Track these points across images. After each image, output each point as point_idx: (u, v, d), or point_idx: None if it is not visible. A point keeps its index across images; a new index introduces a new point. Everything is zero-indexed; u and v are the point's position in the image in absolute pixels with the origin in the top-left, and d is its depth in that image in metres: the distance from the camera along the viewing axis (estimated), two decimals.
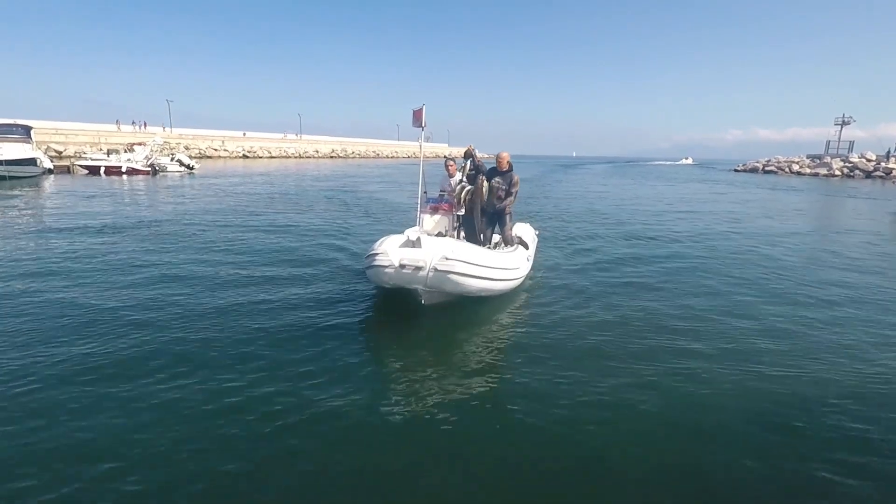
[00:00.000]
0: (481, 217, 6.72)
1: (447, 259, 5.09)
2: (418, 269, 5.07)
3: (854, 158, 49.40)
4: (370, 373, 4.31)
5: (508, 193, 6.69)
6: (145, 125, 56.59)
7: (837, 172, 47.68)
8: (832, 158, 52.04)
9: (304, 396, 3.80)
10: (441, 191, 7.13)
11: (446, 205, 6.92)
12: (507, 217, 6.90)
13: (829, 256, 9.80)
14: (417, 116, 6.72)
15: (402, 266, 5.11)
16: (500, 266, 5.73)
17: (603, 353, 4.75)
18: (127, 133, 50.02)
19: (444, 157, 7.48)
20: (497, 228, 7.07)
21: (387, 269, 5.21)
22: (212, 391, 3.86)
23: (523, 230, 8.49)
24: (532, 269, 7.39)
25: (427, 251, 5.27)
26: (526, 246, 7.15)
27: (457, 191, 6.77)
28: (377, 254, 5.37)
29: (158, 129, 55.11)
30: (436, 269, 5.05)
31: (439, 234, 6.66)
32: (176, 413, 3.55)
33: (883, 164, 44.89)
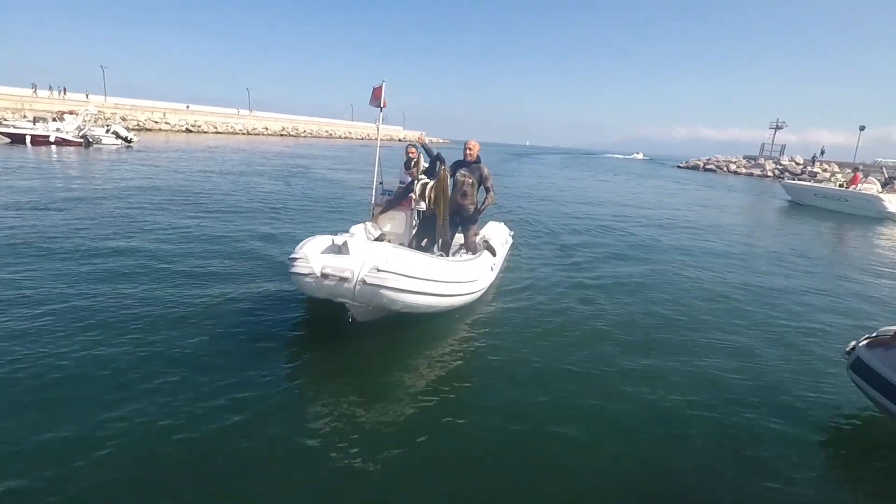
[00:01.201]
0: (447, 214, 5.73)
1: (379, 270, 4.25)
2: (343, 280, 4.27)
3: (785, 161, 52.84)
4: (285, 403, 3.65)
5: (484, 189, 5.68)
6: (65, 91, 50.75)
7: (770, 174, 50.86)
8: (766, 160, 55.45)
9: (207, 425, 3.28)
10: (400, 182, 6.21)
11: (408, 200, 6.04)
12: (472, 220, 5.86)
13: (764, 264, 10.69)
14: (377, 95, 5.98)
15: (325, 276, 4.31)
16: (450, 279, 4.83)
17: (556, 378, 4.29)
18: (45, 99, 45.38)
19: (401, 139, 7.04)
20: (464, 232, 5.98)
21: (307, 279, 4.40)
22: (97, 414, 3.31)
23: (495, 231, 7.66)
24: (502, 273, 6.74)
25: (355, 259, 4.40)
26: (493, 252, 6.22)
27: (417, 187, 5.82)
28: (296, 258, 4.55)
29: (81, 97, 50.04)
30: (364, 282, 4.23)
31: (381, 236, 5.86)
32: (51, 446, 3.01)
33: (809, 168, 48.19)
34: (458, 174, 5.68)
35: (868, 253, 12.11)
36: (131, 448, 3.03)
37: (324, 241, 4.81)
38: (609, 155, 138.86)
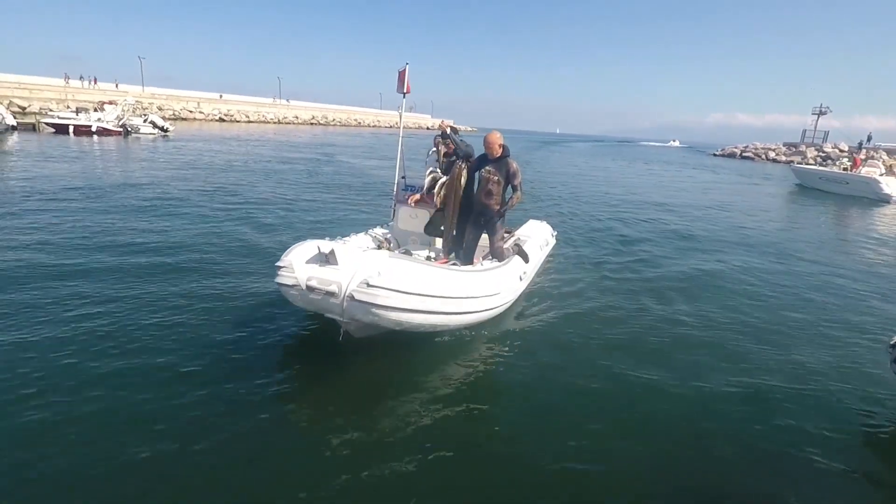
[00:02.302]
0: (456, 217, 5.13)
1: (369, 285, 3.64)
2: (329, 294, 3.76)
3: (828, 148, 50.53)
4: (269, 424, 3.35)
5: (512, 188, 4.93)
6: (95, 81, 51.35)
7: (811, 161, 48.71)
8: (807, 147, 53.14)
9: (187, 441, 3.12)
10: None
11: (430, 196, 5.38)
12: (498, 222, 5.10)
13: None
14: (401, 79, 5.53)
15: (310, 289, 3.82)
16: (462, 294, 4.14)
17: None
18: (84, 90, 46.60)
19: (429, 127, 6.40)
20: (489, 236, 5.26)
21: (292, 291, 3.92)
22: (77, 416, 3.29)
23: (535, 230, 7.03)
24: (538, 278, 6.25)
25: (343, 271, 3.82)
26: (526, 257, 5.48)
27: (426, 183, 5.27)
28: (281, 267, 4.02)
29: (111, 86, 51.45)
30: (352, 298, 3.66)
31: (381, 244, 5.33)
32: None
33: (854, 155, 45.99)
34: (482, 171, 4.97)
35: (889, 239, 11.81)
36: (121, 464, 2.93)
37: (312, 247, 4.15)
38: (644, 143, 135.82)
